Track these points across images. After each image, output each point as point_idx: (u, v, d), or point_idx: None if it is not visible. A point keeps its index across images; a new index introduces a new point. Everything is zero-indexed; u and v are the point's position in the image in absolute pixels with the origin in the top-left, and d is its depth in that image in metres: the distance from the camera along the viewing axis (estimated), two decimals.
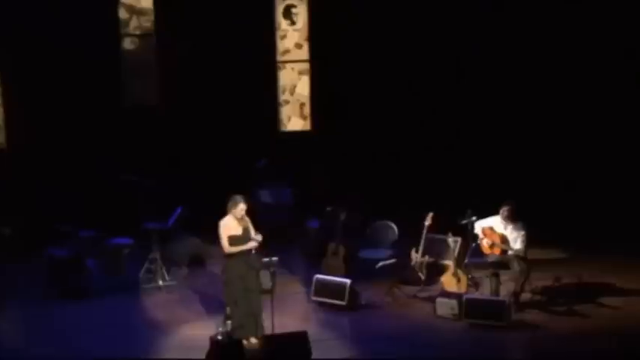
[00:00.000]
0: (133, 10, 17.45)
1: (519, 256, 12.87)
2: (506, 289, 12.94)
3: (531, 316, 12.69)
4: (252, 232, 11.49)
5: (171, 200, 14.63)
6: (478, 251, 13.21)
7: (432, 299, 13.02)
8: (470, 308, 12.47)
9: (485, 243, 13.12)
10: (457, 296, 12.72)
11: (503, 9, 16.99)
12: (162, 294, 14.04)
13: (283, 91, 18.07)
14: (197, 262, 15.14)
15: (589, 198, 16.34)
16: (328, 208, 15.02)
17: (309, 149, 17.62)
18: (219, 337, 11.06)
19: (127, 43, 17.58)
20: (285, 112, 18.14)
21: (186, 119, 17.34)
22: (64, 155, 16.82)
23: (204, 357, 10.98)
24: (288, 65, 18.04)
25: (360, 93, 17.38)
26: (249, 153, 16.88)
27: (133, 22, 17.51)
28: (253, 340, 11.36)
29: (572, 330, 12.28)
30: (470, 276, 13.29)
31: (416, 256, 13.53)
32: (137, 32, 17.56)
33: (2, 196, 16.24)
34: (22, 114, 16.83)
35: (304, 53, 17.99)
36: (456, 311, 12.60)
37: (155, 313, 13.37)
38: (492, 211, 13.11)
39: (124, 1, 17.38)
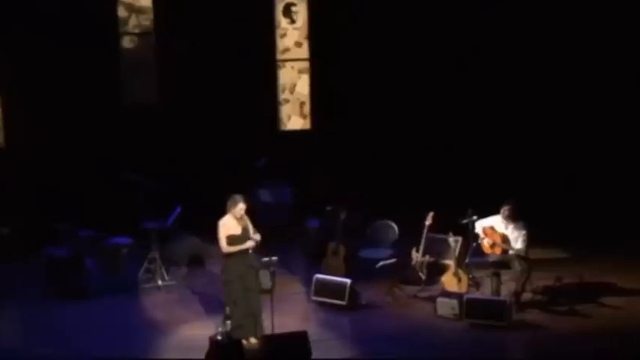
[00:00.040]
0: (132, 9, 17.41)
1: (520, 256, 12.85)
2: (507, 288, 12.92)
3: (532, 316, 12.67)
4: (252, 231, 11.46)
5: (171, 199, 14.59)
6: (479, 251, 13.19)
7: (432, 299, 13.00)
8: (470, 308, 12.44)
9: (486, 242, 13.09)
10: (458, 296, 12.70)
11: (503, 9, 16.96)
12: (162, 294, 14.00)
13: (283, 90, 18.04)
14: (196, 261, 15.11)
15: (589, 198, 16.35)
16: (328, 208, 14.99)
17: (309, 148, 17.58)
18: (219, 337, 11.04)
19: (126, 42, 17.53)
20: (284, 110, 18.10)
21: (186, 118, 17.30)
22: (62, 154, 16.78)
23: (203, 357, 10.96)
24: (288, 64, 18.00)
25: (360, 92, 17.35)
26: (249, 152, 16.84)
27: (132, 21, 17.47)
28: (253, 340, 11.32)
29: (574, 330, 12.26)
30: (471, 276, 13.27)
31: (416, 256, 13.51)
32: (136, 31, 17.52)
33: (1, 195, 16.21)
34: (21, 113, 16.78)
35: (304, 52, 17.95)
36: (457, 311, 12.57)
37: (154, 313, 13.33)
38: (493, 211, 13.09)
39: (123, 0, 17.35)
